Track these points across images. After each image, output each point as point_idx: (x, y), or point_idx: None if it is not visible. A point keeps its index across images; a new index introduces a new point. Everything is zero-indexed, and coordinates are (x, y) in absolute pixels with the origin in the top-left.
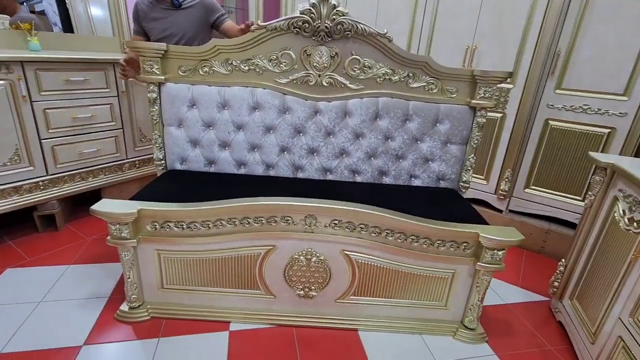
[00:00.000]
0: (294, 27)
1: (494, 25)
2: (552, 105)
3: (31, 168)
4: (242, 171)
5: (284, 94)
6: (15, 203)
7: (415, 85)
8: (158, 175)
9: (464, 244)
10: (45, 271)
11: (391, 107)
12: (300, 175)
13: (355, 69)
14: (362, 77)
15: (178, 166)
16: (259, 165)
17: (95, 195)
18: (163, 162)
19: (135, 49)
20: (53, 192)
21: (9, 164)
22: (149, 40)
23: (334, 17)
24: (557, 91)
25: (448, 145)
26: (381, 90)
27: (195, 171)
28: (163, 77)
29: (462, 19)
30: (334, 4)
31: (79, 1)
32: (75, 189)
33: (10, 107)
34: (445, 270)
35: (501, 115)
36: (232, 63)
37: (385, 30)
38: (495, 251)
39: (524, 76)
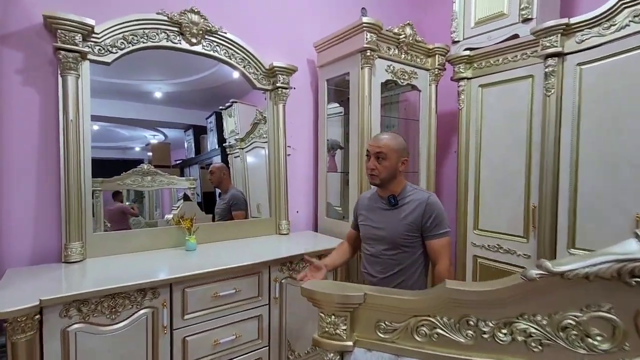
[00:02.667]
0: (630, 275)
1: None
2: None
3: None
4: None
5: None
6: None
7: None
8: None
9: None
10: None
11: None
12: None
13: None
14: None
15: None
16: None
17: None
18: None
19: (313, 299)
20: None
21: None
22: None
23: None
24: None
25: None
26: None
27: None
28: (351, 343)
29: None
30: None
31: (238, 158)
32: None
33: (146, 340)
34: None
35: None
36: (475, 324)
37: None
38: None
39: None
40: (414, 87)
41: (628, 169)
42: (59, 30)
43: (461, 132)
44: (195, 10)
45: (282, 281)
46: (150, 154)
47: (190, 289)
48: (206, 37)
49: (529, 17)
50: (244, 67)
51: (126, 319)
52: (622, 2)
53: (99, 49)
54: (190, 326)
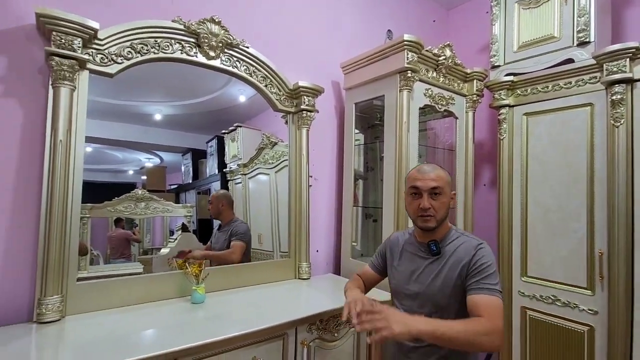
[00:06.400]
0: None
1: None
2: None
3: None
4: None
5: None
6: None
7: None
8: None
9: None
10: None
11: None
12: None
13: None
14: None
15: None
16: None
17: None
18: None
19: None
20: None
21: None
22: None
23: None
24: None
25: None
26: None
27: None
28: None
29: None
30: None
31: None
32: None
33: None
34: None
35: None
36: None
37: None
38: None
39: None
40: (450, 114)
41: None
42: (54, 33)
43: (502, 165)
44: (216, 20)
45: (311, 344)
46: (144, 177)
47: None
48: (226, 50)
49: (587, 40)
50: (266, 86)
51: None
52: None
53: (102, 58)
54: None
